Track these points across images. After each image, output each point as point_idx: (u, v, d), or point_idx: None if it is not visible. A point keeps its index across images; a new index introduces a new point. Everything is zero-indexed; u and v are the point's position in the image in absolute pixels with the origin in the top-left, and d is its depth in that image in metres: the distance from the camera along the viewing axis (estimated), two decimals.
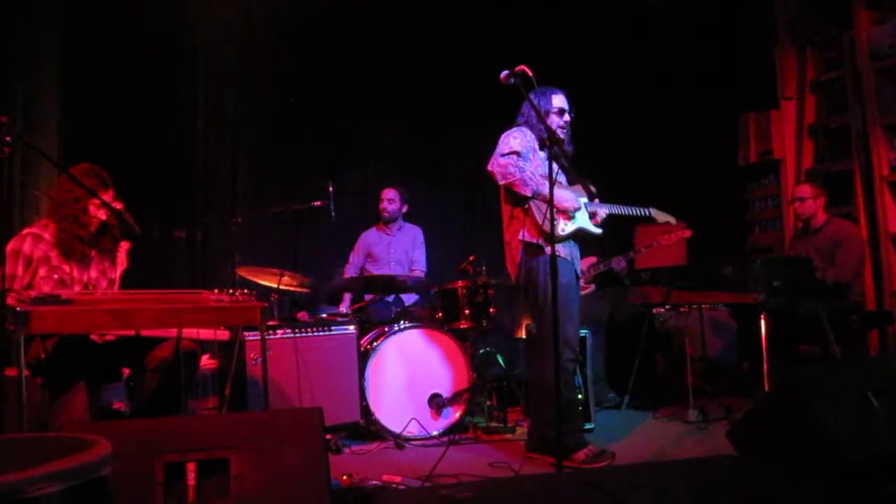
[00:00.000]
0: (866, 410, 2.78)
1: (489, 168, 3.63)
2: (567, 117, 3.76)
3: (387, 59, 5.80)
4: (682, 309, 4.81)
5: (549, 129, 3.40)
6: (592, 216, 3.80)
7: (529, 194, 3.55)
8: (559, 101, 3.76)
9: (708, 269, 4.34)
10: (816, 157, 6.00)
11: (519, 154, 3.57)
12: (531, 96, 3.60)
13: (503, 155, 3.58)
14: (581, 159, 3.77)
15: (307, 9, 5.58)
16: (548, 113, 3.69)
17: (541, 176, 3.55)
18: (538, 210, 3.55)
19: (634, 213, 3.96)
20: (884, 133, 5.33)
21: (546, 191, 3.36)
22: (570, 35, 5.93)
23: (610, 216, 3.86)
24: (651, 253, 5.11)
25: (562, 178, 3.73)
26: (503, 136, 3.69)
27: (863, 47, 5.41)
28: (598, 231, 3.82)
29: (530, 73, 3.23)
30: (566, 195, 3.66)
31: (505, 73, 3.20)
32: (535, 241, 3.57)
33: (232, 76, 5.49)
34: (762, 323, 4.07)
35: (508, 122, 3.76)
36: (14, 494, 1.39)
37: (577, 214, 3.72)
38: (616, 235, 5.16)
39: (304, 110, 5.60)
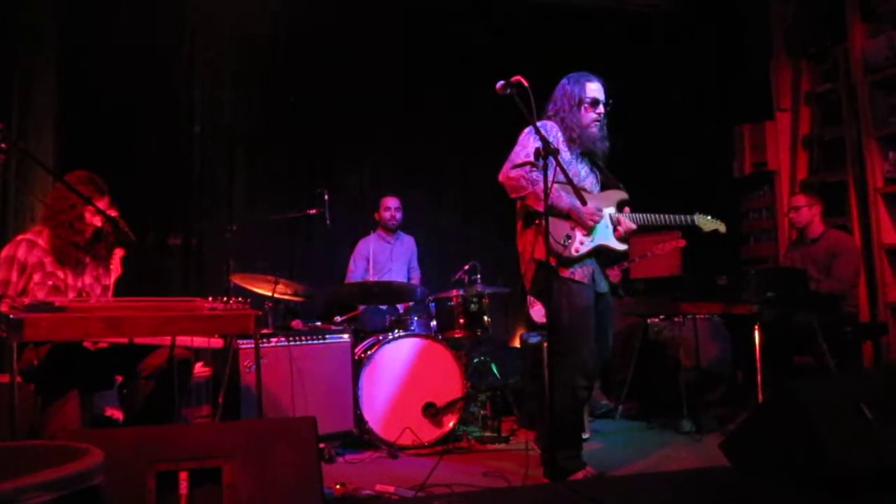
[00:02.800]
0: (860, 422, 2.78)
1: (500, 178, 3.33)
2: (601, 109, 3.42)
3: (385, 63, 5.81)
4: (676, 319, 4.81)
5: (544, 140, 3.03)
6: (616, 229, 3.41)
7: (543, 210, 3.11)
8: (594, 89, 3.41)
9: (702, 280, 4.34)
10: (811, 169, 6.03)
11: (534, 163, 3.21)
12: (563, 82, 3.43)
13: (515, 165, 3.27)
14: None
15: (306, 12, 5.59)
16: (581, 102, 3.39)
17: (558, 186, 3.20)
18: (552, 227, 3.13)
19: (672, 222, 3.57)
20: (878, 145, 5.36)
21: (563, 204, 3.27)
22: (566, 44, 5.94)
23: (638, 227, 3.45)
24: (645, 263, 5.12)
25: (591, 181, 3.47)
26: (523, 134, 3.35)
27: (857, 60, 5.45)
28: (622, 247, 3.45)
29: (526, 84, 3.03)
30: (584, 211, 3.29)
31: (501, 83, 3.04)
32: (545, 261, 3.11)
33: (229, 81, 5.50)
34: (756, 334, 4.08)
35: (507, 129, 3.42)
36: None
37: (598, 228, 3.35)
38: None
39: (300, 116, 5.60)
